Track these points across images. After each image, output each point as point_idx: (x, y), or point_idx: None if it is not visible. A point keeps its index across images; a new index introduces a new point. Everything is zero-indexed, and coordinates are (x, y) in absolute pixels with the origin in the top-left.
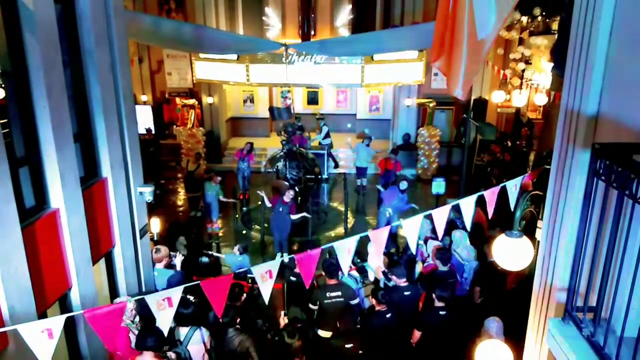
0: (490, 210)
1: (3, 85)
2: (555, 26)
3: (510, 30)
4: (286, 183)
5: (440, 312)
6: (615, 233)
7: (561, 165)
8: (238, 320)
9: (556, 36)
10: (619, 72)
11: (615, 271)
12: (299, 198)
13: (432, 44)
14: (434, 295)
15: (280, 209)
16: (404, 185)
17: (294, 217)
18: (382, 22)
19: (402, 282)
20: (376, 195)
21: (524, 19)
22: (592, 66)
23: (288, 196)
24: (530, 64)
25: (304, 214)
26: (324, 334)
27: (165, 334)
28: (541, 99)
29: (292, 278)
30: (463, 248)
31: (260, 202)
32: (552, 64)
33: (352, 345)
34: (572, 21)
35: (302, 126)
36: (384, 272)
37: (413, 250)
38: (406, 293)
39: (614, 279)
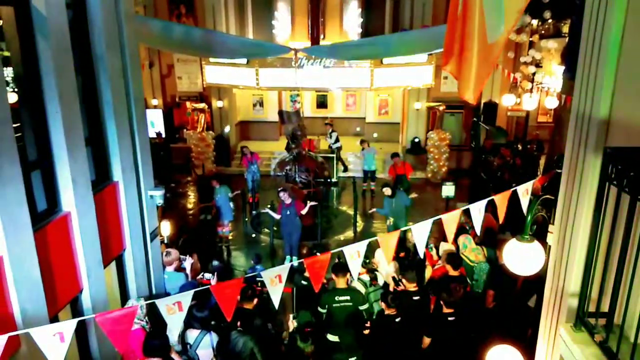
0: (501, 214)
1: (16, 90)
2: (565, 29)
3: (520, 33)
4: (288, 185)
5: (449, 318)
6: (627, 238)
7: (572, 170)
8: (239, 323)
9: (567, 39)
10: (631, 75)
11: (628, 276)
12: (308, 201)
13: (443, 47)
14: (441, 301)
15: (288, 212)
16: (387, 191)
17: (304, 211)
18: (392, 26)
19: (412, 287)
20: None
21: (534, 22)
22: (604, 69)
23: (285, 197)
24: (541, 67)
25: (310, 203)
26: (333, 338)
27: (175, 338)
28: (552, 103)
29: (303, 282)
30: (470, 251)
31: (269, 205)
32: (562, 67)
33: (355, 358)
34: (583, 24)
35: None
36: (393, 277)
37: (421, 254)
38: (415, 298)
39: (626, 284)
